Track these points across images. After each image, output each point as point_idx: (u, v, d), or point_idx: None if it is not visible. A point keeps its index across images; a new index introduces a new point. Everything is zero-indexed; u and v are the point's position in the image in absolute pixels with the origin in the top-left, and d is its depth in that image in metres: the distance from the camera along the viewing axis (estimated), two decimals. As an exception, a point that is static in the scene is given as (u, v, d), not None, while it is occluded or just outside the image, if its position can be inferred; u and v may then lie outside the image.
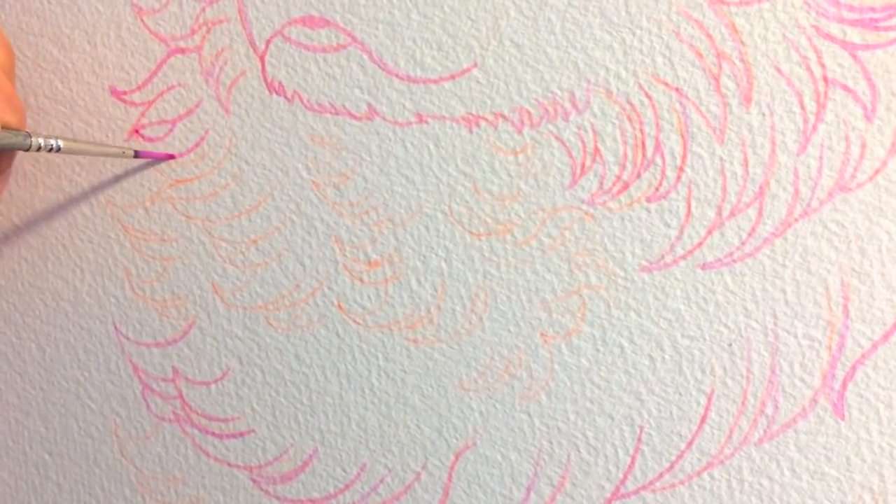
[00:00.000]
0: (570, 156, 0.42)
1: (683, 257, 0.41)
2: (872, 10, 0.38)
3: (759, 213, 0.40)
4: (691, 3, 0.39)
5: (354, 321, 0.45)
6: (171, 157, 0.47)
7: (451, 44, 0.42)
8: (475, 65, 0.42)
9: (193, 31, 0.46)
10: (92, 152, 0.45)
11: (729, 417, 0.41)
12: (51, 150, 0.43)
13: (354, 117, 0.44)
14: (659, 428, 0.42)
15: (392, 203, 0.44)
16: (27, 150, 0.43)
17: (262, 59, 0.45)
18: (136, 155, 0.46)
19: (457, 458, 0.45)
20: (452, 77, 0.43)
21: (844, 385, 0.40)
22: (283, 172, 0.45)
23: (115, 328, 0.49)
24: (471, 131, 0.43)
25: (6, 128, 0.42)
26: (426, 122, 0.43)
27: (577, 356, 0.43)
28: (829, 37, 0.38)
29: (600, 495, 0.43)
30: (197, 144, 0.46)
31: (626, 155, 0.41)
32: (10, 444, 0.51)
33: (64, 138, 0.44)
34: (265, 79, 0.45)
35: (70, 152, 0.44)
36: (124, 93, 0.47)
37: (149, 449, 0.49)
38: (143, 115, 0.47)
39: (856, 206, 0.39)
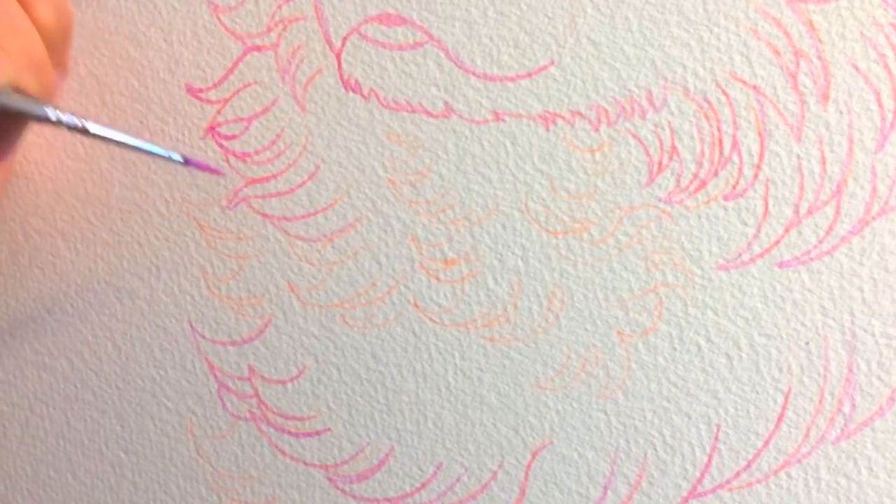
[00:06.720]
0: (647, 154, 0.44)
1: (761, 255, 0.44)
2: (952, 6, 0.40)
3: (837, 212, 0.42)
4: (769, 1, 0.42)
5: (431, 319, 0.48)
6: (219, 173, 0.49)
7: (527, 41, 0.45)
8: (552, 62, 0.45)
9: (269, 29, 0.48)
10: (130, 146, 0.45)
11: (806, 416, 0.43)
12: (75, 129, 0.43)
13: (431, 115, 0.47)
14: (736, 427, 0.45)
15: (468, 201, 0.47)
16: (40, 121, 0.42)
17: (338, 57, 0.47)
18: (186, 162, 0.47)
19: (533, 456, 0.47)
20: (529, 75, 0.45)
21: (922, 383, 0.42)
22: (360, 170, 0.48)
23: (191, 326, 0.51)
24: (548, 129, 0.45)
25: (18, 92, 0.42)
26: (503, 120, 0.46)
27: (654, 355, 0.45)
28: (907, 34, 0.40)
29: (677, 494, 0.46)
30: (273, 142, 0.49)
31: (703, 153, 0.43)
32: (86, 443, 0.54)
33: (97, 122, 0.44)
34: (341, 77, 0.47)
35: (102, 139, 0.44)
36: (200, 90, 0.50)
37: (225, 448, 0.52)
38: (218, 112, 0.50)
39: (934, 204, 0.41)
